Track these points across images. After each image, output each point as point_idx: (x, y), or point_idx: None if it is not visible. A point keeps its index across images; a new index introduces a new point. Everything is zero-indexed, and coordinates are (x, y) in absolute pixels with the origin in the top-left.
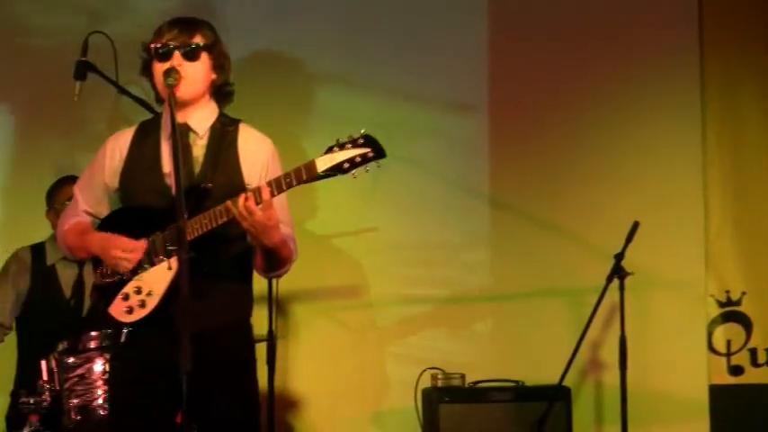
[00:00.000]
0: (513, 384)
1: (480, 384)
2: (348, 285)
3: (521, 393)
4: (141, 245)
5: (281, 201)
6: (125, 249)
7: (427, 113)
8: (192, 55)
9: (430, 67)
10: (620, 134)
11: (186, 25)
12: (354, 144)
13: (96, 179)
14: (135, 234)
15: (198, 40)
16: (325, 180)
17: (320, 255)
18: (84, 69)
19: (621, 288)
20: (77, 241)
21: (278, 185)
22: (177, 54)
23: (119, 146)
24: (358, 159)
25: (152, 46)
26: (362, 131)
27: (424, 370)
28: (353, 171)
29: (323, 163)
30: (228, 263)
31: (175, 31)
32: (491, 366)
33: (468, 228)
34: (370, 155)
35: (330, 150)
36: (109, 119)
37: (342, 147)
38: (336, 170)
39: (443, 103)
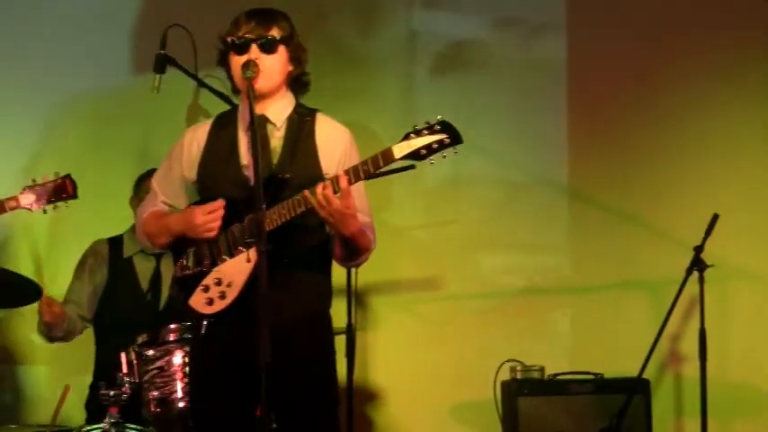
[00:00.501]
0: (592, 377)
1: (560, 377)
2: (427, 277)
3: (600, 386)
4: (219, 203)
5: (359, 189)
6: (206, 211)
7: (507, 107)
8: (269, 48)
9: (510, 61)
10: (700, 127)
11: (263, 17)
12: (431, 130)
13: (174, 171)
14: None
15: (275, 32)
16: (405, 173)
17: (399, 247)
18: (163, 62)
19: (701, 280)
20: (156, 226)
21: (355, 173)
22: (255, 47)
23: (196, 138)
24: (435, 146)
25: (229, 38)
26: (439, 118)
27: (504, 362)
28: (431, 157)
29: (400, 150)
30: (307, 253)
31: (252, 23)
32: (570, 359)
33: (547, 220)
34: (447, 141)
35: (407, 137)
36: (189, 110)
37: (418, 133)
38: (413, 156)
39: (523, 97)
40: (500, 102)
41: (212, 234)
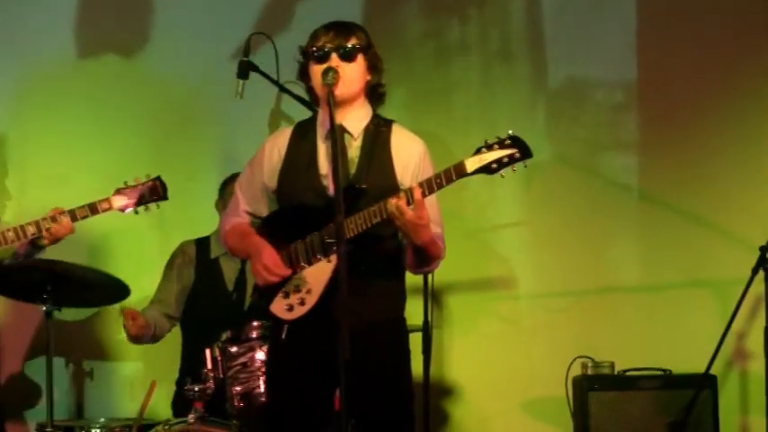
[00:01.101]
0: (660, 372)
1: (629, 372)
2: (500, 277)
3: (668, 381)
4: (285, 272)
5: (431, 200)
6: (267, 267)
7: (576, 110)
8: (348, 56)
9: (580, 65)
10: (764, 129)
11: (342, 28)
12: (502, 145)
13: (255, 179)
14: (293, 234)
15: (353, 42)
16: (478, 177)
17: (474, 248)
18: (246, 69)
19: (767, 279)
20: (238, 243)
21: (429, 186)
22: (334, 56)
23: (277, 146)
24: (505, 160)
25: (310, 49)
26: (510, 132)
27: (575, 358)
28: (501, 171)
29: (472, 164)
30: (381, 261)
31: (331, 34)
32: (639, 355)
33: (616, 221)
34: (517, 155)
35: (478, 151)
36: (271, 115)
37: (489, 148)
38: (485, 170)
39: (593, 102)
40: (571, 107)
41: (263, 283)
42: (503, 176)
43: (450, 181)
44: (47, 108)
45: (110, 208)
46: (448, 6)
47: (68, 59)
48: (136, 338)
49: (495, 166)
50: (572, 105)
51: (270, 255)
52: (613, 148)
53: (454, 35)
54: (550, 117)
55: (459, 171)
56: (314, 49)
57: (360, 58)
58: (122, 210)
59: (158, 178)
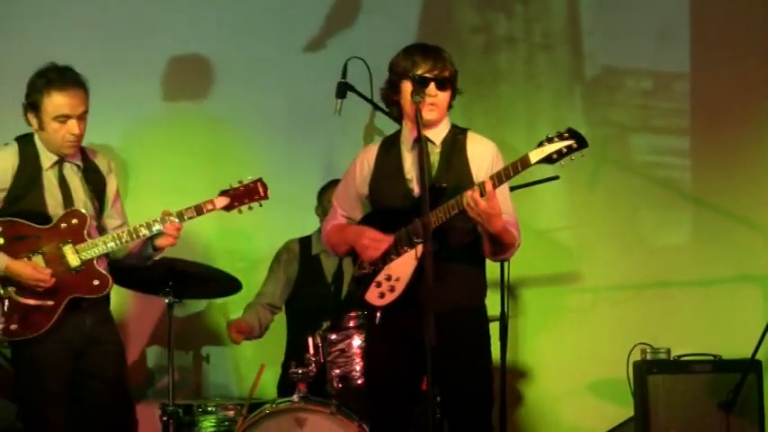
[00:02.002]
0: (711, 358)
1: (683, 358)
2: (568, 273)
3: (718, 366)
4: (388, 238)
5: (503, 192)
6: (372, 239)
7: (636, 120)
8: (443, 85)
9: (634, 73)
10: None
11: (438, 58)
12: (560, 137)
13: (350, 189)
14: (384, 231)
15: (447, 72)
16: (548, 183)
17: (545, 246)
18: (344, 89)
19: None
20: (338, 237)
21: (498, 178)
22: (433, 85)
23: (367, 159)
24: (564, 150)
25: (411, 74)
26: (567, 128)
27: (635, 345)
28: (561, 161)
29: (535, 156)
30: (462, 250)
31: (430, 62)
32: (692, 342)
33: (673, 220)
34: (575, 146)
35: (540, 144)
36: (365, 129)
37: (550, 141)
38: (547, 161)
39: (652, 112)
40: (626, 113)
41: (369, 258)
42: (562, 165)
43: (516, 171)
44: (159, 126)
45: (214, 208)
46: (496, 4)
47: (191, 77)
48: (242, 340)
49: (555, 156)
50: (606, 92)
51: (370, 231)
52: (669, 156)
53: (501, 29)
54: (586, 104)
55: (525, 162)
56: (414, 75)
57: (450, 86)
58: (226, 209)
59: (260, 179)
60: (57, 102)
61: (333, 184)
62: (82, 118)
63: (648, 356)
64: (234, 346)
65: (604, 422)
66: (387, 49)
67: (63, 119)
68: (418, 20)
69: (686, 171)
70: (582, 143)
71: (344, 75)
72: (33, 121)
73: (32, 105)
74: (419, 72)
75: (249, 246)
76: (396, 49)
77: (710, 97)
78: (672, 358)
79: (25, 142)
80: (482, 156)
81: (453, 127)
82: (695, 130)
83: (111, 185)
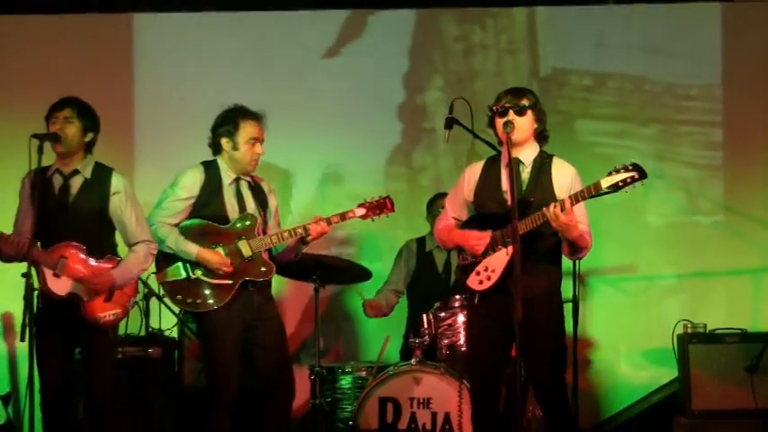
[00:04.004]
0: (739, 331)
1: (717, 331)
2: (626, 265)
3: (744, 337)
4: (486, 236)
5: (579, 207)
6: (475, 238)
7: (674, 144)
8: (520, 112)
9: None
10: None
11: (517, 92)
12: (626, 169)
13: (459, 196)
14: (484, 230)
15: (525, 102)
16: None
17: (608, 245)
18: (451, 122)
19: None
20: (446, 236)
21: (575, 198)
22: (512, 112)
23: (473, 173)
24: (629, 180)
25: (495, 107)
26: (632, 160)
27: (678, 321)
28: (626, 188)
29: (605, 182)
30: (544, 251)
31: (509, 96)
32: (724, 318)
33: (708, 223)
34: (637, 177)
35: (610, 174)
36: (467, 154)
37: (617, 171)
38: (614, 188)
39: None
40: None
41: (476, 253)
42: (627, 192)
43: (590, 195)
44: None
45: (354, 216)
46: (472, 18)
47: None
48: (374, 316)
49: (621, 184)
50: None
51: (474, 234)
52: (701, 168)
53: (476, 38)
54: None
55: (597, 187)
56: (497, 107)
57: (529, 113)
58: (363, 218)
59: (388, 197)
60: (249, 129)
61: (438, 196)
62: (262, 142)
63: (689, 330)
64: (367, 321)
65: (654, 381)
66: (390, 57)
67: (253, 141)
68: (412, 31)
69: (719, 185)
70: (642, 174)
71: (451, 110)
72: (227, 144)
73: (228, 132)
74: (501, 104)
75: (378, 243)
76: (397, 57)
77: (742, 114)
78: (708, 332)
79: (208, 164)
80: (564, 177)
81: (542, 151)
82: (727, 143)
83: (273, 202)
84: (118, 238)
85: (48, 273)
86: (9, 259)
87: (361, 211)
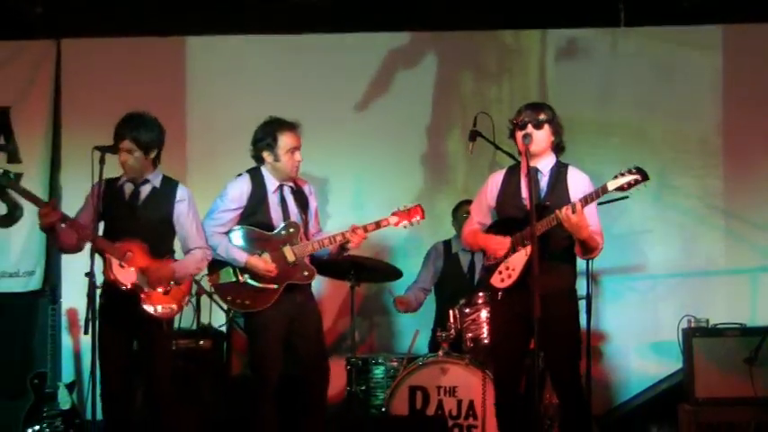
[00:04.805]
0: (738, 326)
1: (718, 325)
2: (636, 264)
3: (743, 331)
4: (507, 240)
5: (590, 210)
6: (497, 243)
7: (674, 152)
8: (538, 125)
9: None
10: None
11: (535, 107)
12: (630, 172)
13: (483, 202)
14: (505, 233)
15: (542, 116)
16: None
17: (619, 247)
18: (474, 135)
19: None
20: (472, 239)
21: (585, 200)
22: (530, 125)
23: (495, 181)
24: (632, 182)
25: (515, 121)
26: (634, 165)
27: (683, 316)
28: (630, 190)
29: (611, 185)
30: (559, 250)
31: (528, 111)
32: (725, 314)
33: (708, 226)
34: (640, 179)
35: (615, 177)
36: (490, 165)
37: (623, 174)
38: (619, 189)
39: (688, 141)
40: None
41: (498, 256)
42: (631, 192)
43: (598, 196)
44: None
45: (388, 224)
46: (490, 77)
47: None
48: (404, 311)
49: (626, 186)
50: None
51: (496, 238)
52: (701, 175)
53: (493, 93)
54: None
55: (604, 189)
56: (517, 121)
57: (546, 126)
58: (396, 225)
59: (419, 205)
60: (287, 139)
61: (462, 203)
62: (300, 150)
63: (693, 325)
64: (398, 316)
65: (661, 371)
66: (416, 106)
67: (292, 150)
68: (433, 87)
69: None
70: (645, 177)
71: (474, 124)
72: (269, 156)
73: (268, 145)
74: (521, 118)
75: (407, 246)
76: (422, 106)
77: (741, 122)
78: (710, 326)
79: (254, 173)
80: (578, 184)
81: (558, 162)
82: (726, 148)
83: (313, 204)
84: (176, 245)
85: (114, 263)
86: (68, 248)
87: (395, 219)
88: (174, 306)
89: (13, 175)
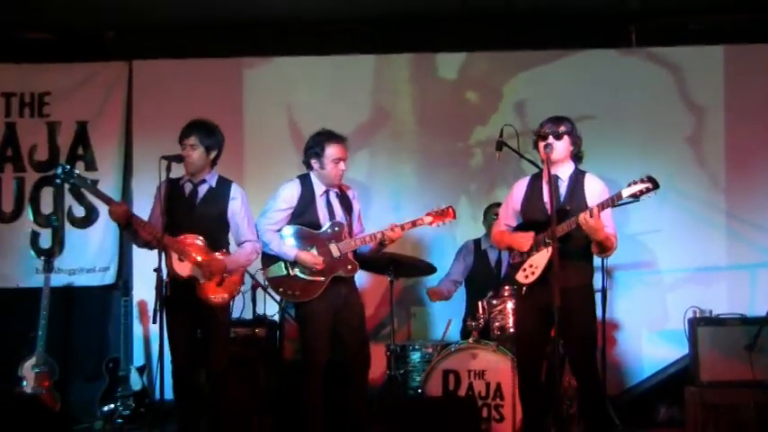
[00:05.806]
0: (739, 316)
1: (721, 315)
2: (647, 260)
3: (744, 321)
4: (530, 235)
5: (606, 214)
6: (521, 237)
7: (681, 159)
8: (558, 137)
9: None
10: None
11: (556, 120)
12: (642, 181)
13: (509, 206)
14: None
15: (561, 129)
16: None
17: (631, 246)
18: (500, 145)
19: None
20: (500, 239)
21: (601, 206)
22: (551, 137)
23: (518, 187)
24: (644, 190)
25: (537, 132)
26: (646, 174)
27: (689, 307)
28: (642, 197)
29: (625, 192)
30: (578, 249)
31: (550, 123)
32: (727, 305)
33: (711, 226)
34: (651, 187)
35: (629, 185)
36: (513, 171)
37: (635, 183)
38: (633, 197)
39: (694, 150)
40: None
41: (522, 248)
42: (641, 200)
43: (614, 202)
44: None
45: (422, 223)
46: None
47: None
48: (437, 301)
49: (638, 193)
50: None
51: (519, 234)
52: (703, 182)
53: (479, 134)
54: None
55: (618, 197)
56: (539, 132)
57: (565, 138)
58: (430, 224)
59: (451, 206)
60: (333, 150)
61: (492, 206)
62: (346, 160)
63: (698, 315)
64: (433, 306)
65: (669, 356)
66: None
67: (337, 161)
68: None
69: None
70: (656, 185)
71: (501, 135)
72: (316, 164)
73: (316, 154)
74: (543, 130)
75: (442, 244)
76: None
77: (742, 129)
78: (713, 316)
79: (303, 178)
80: (595, 190)
81: (576, 169)
82: (729, 155)
83: (356, 207)
84: (230, 239)
85: (174, 257)
86: (144, 244)
87: (429, 219)
88: (226, 295)
89: (90, 180)
